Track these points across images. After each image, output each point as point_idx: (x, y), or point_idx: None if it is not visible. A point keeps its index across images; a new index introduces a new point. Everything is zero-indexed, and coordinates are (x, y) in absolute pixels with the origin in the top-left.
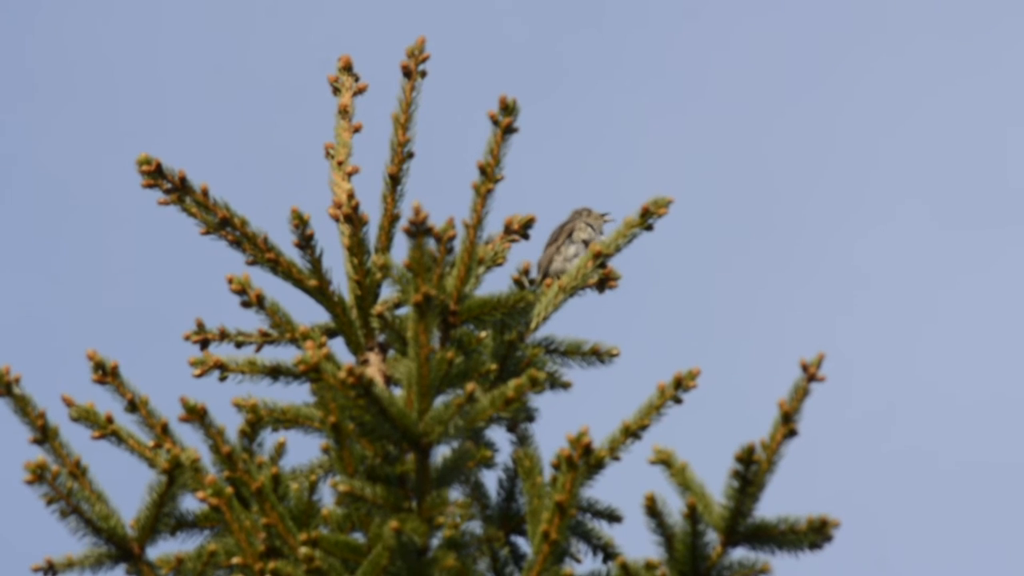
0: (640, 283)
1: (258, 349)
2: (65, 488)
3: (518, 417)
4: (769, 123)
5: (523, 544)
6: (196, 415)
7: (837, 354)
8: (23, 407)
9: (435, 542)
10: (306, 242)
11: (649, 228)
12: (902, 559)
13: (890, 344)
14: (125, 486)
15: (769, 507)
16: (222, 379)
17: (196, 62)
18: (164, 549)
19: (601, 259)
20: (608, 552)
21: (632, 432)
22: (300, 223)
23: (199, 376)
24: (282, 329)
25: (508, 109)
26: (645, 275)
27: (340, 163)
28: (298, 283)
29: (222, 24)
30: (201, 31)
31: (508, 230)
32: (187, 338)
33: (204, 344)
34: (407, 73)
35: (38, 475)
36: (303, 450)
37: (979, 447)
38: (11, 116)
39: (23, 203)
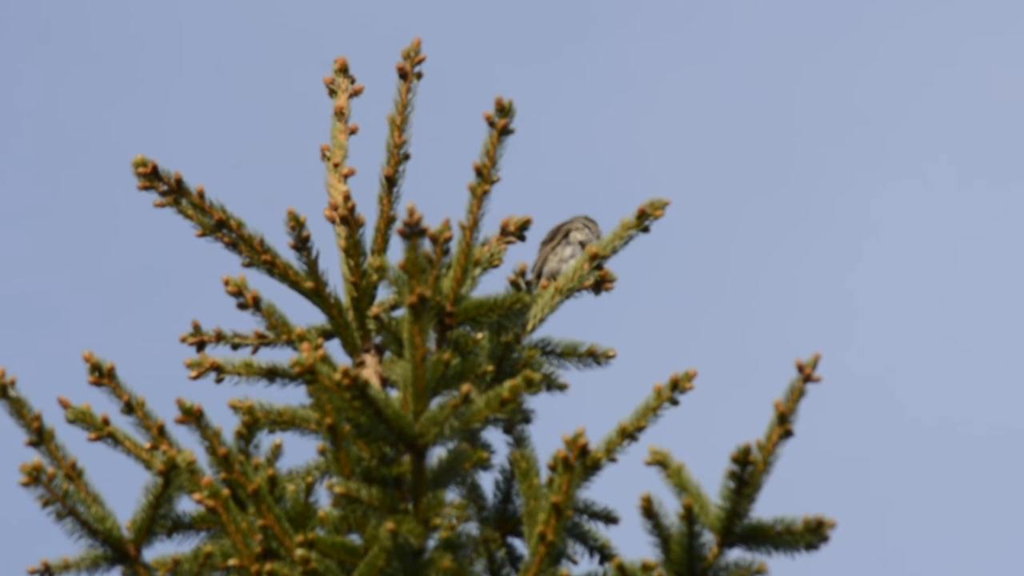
0: (638, 284)
1: (254, 351)
2: (61, 490)
3: (514, 418)
4: (792, 75)
5: (520, 545)
6: (192, 417)
7: (851, 311)
8: (19, 409)
9: (431, 543)
10: (302, 244)
11: (646, 230)
12: (915, 526)
13: (907, 302)
14: (122, 488)
15: (772, 502)
16: (218, 381)
17: (193, 63)
18: (160, 551)
19: (597, 261)
20: (604, 553)
21: (628, 434)
22: (296, 225)
23: (195, 378)
24: (278, 331)
25: (504, 111)
26: (646, 269)
27: (336, 165)
28: (294, 285)
29: (219, 25)
30: (198, 32)
31: (504, 232)
32: (183, 340)
33: (200, 346)
34: (403, 75)
35: (34, 477)
36: (299, 452)
37: (997, 408)
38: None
39: (23, 201)
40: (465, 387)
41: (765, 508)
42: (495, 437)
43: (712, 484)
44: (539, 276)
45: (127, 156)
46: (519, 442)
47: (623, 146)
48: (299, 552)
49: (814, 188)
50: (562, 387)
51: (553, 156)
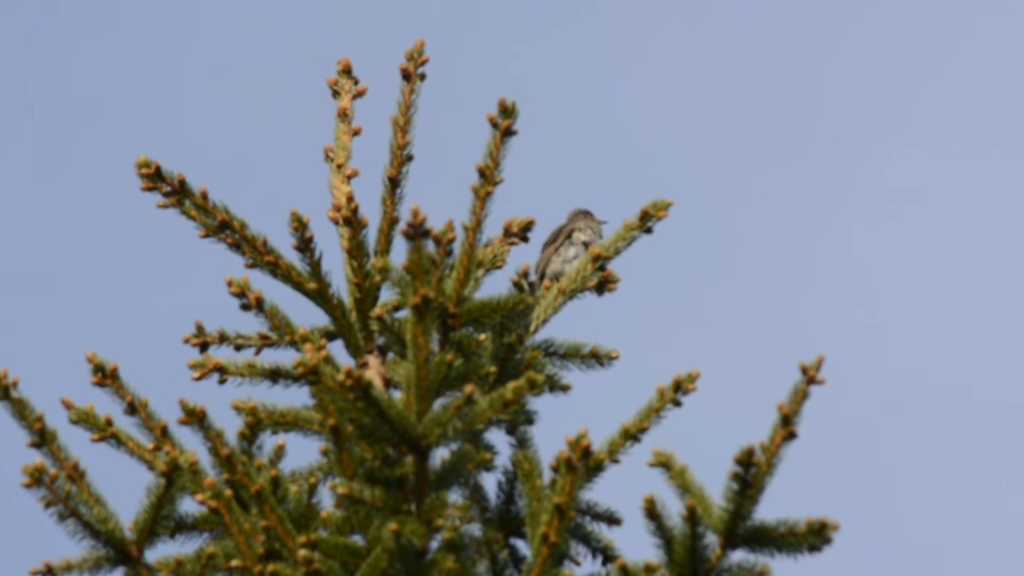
0: (641, 284)
1: (257, 352)
2: (63, 491)
3: (517, 419)
4: (809, 42)
5: (522, 547)
6: (195, 417)
7: (864, 280)
8: (21, 410)
9: (434, 544)
10: (305, 245)
11: (648, 231)
12: (926, 499)
13: (920, 269)
14: (124, 489)
15: (779, 497)
16: (221, 382)
17: (196, 64)
18: (163, 552)
19: (600, 262)
20: (607, 555)
21: (631, 435)
22: (299, 226)
23: (198, 379)
24: (281, 332)
25: (507, 112)
26: (649, 266)
27: (339, 166)
28: (297, 286)
29: (222, 25)
30: (201, 32)
31: (507, 233)
32: (186, 341)
33: (203, 347)
34: (406, 76)
35: (36, 478)
36: (302, 452)
37: (1012, 377)
38: None
39: (25, 204)
40: (468, 388)
41: (769, 508)
42: (498, 438)
43: (715, 486)
44: (542, 277)
45: (127, 162)
46: (522, 443)
47: (637, 114)
48: (302, 553)
49: (828, 157)
50: (565, 388)
51: (568, 123)
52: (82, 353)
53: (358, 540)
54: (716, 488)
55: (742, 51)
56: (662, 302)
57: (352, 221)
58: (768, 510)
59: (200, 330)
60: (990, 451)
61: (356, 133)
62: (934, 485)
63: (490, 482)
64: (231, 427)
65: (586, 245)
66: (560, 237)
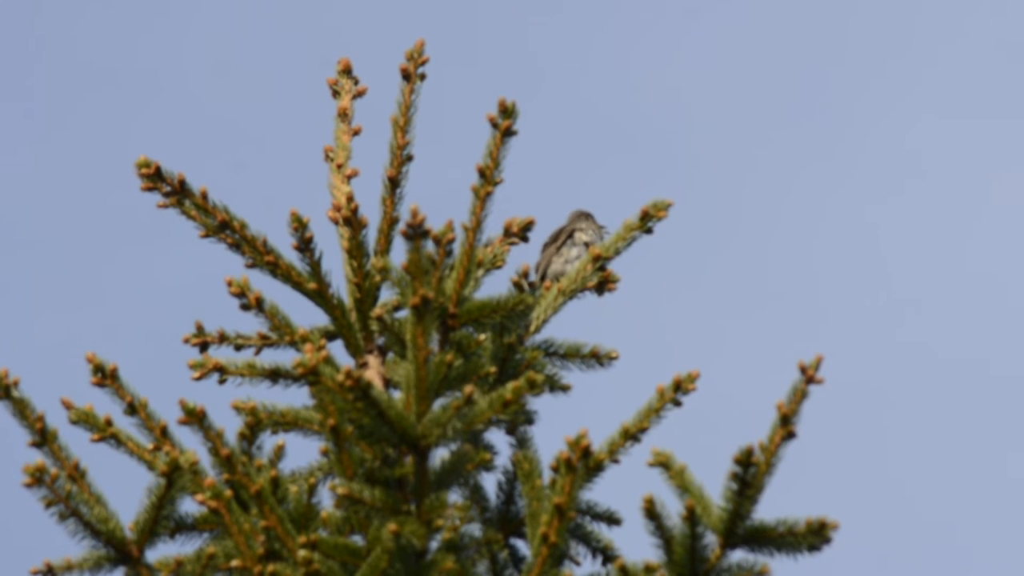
0: (640, 285)
1: (257, 352)
2: (64, 491)
3: (517, 420)
4: (830, 6)
5: (522, 547)
6: (195, 418)
7: (879, 248)
8: (22, 410)
9: (434, 545)
10: (305, 245)
11: (649, 231)
12: (942, 473)
13: (937, 237)
14: (125, 489)
15: (781, 490)
16: (221, 382)
17: (195, 63)
18: (163, 552)
19: (600, 262)
20: (607, 555)
21: (631, 435)
22: (299, 226)
23: (198, 379)
24: (281, 332)
25: (507, 112)
26: (649, 266)
27: (339, 166)
28: (297, 286)
29: (221, 25)
30: (200, 32)
31: (507, 233)
32: (186, 341)
33: (203, 347)
34: (406, 76)
35: (37, 478)
36: (302, 453)
37: None
38: None
39: (26, 208)
40: (468, 388)
41: (775, 495)
42: (498, 438)
43: (715, 485)
44: (543, 277)
45: (128, 157)
46: (522, 443)
47: (656, 80)
48: (301, 553)
49: (844, 124)
50: (565, 388)
51: (587, 91)
52: (82, 354)
53: (358, 540)
54: (716, 488)
55: (756, 20)
56: (662, 302)
57: (352, 221)
58: (773, 497)
59: (200, 330)
60: (1006, 424)
61: (356, 133)
62: (947, 458)
63: (490, 482)
64: (231, 427)
65: (587, 246)
66: (561, 237)
